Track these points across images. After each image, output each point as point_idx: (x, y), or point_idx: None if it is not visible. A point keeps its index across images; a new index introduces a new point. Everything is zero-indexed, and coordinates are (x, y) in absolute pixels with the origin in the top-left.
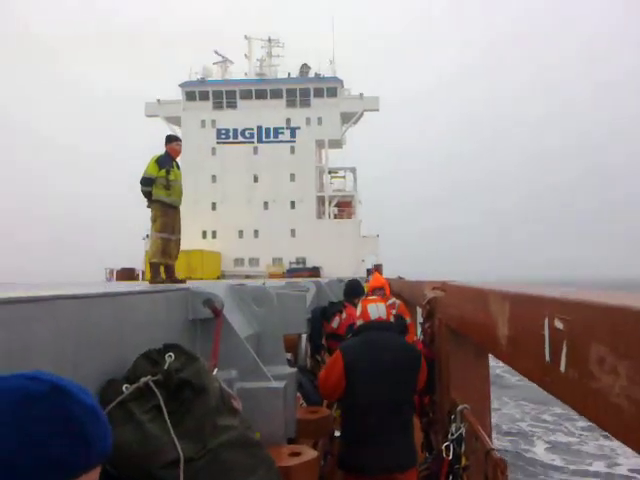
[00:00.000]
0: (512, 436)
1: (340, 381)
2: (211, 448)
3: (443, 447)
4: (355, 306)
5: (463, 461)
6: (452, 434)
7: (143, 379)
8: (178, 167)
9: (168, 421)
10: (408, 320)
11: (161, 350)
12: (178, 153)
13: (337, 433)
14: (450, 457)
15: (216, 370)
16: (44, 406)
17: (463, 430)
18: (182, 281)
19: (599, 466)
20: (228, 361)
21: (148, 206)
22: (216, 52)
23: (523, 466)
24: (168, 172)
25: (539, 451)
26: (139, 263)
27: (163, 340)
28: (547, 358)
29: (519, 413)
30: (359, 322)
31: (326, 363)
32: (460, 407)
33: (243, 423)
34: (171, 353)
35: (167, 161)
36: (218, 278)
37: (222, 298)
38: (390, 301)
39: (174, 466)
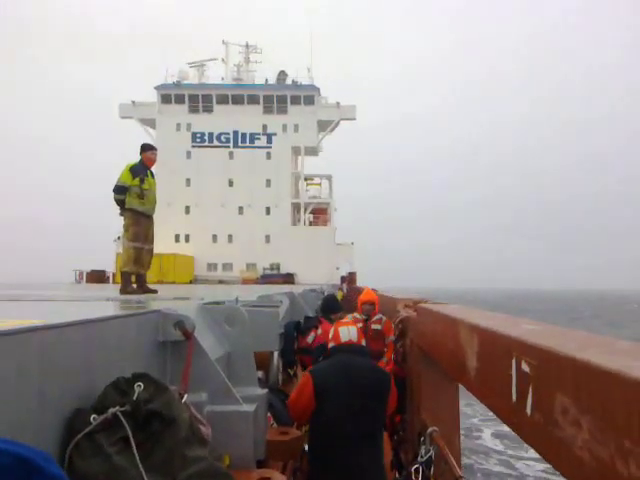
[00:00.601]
0: (464, 429)
1: (310, 404)
2: None
3: (412, 470)
4: (331, 322)
5: None
6: (422, 456)
7: (111, 410)
8: (153, 176)
9: (136, 454)
10: (392, 338)
11: (130, 379)
12: (153, 162)
13: (306, 447)
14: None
15: (186, 396)
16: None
17: (432, 453)
18: (153, 291)
19: (534, 452)
20: (198, 384)
21: (121, 214)
22: (190, 64)
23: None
24: (142, 181)
25: (486, 437)
26: (110, 265)
27: (133, 364)
28: (514, 398)
29: (471, 411)
30: (330, 344)
31: (298, 384)
32: (430, 429)
33: (212, 453)
34: (140, 383)
35: (141, 170)
36: (190, 282)
37: (193, 320)
38: (376, 317)
39: None
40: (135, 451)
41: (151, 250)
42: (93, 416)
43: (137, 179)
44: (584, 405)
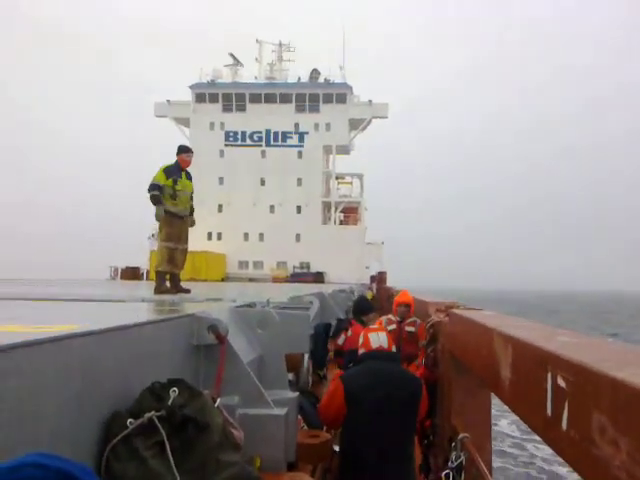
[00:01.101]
0: None
1: (340, 410)
2: None
3: (442, 475)
4: (362, 323)
5: None
6: (452, 462)
7: (147, 414)
8: (189, 177)
9: (171, 458)
10: (424, 342)
11: (165, 385)
12: (188, 164)
13: (336, 448)
14: None
15: (219, 399)
16: None
17: (463, 459)
18: (186, 290)
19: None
20: (231, 387)
21: (157, 218)
22: (231, 55)
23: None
24: (175, 182)
25: (503, 424)
26: (144, 262)
27: (168, 368)
28: (549, 412)
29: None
30: (361, 351)
31: (328, 389)
32: (461, 436)
33: (244, 458)
34: (175, 388)
35: (175, 171)
36: (222, 280)
37: (226, 324)
38: (411, 319)
39: None
40: (170, 455)
41: (185, 250)
42: (129, 420)
43: (170, 180)
44: (622, 426)
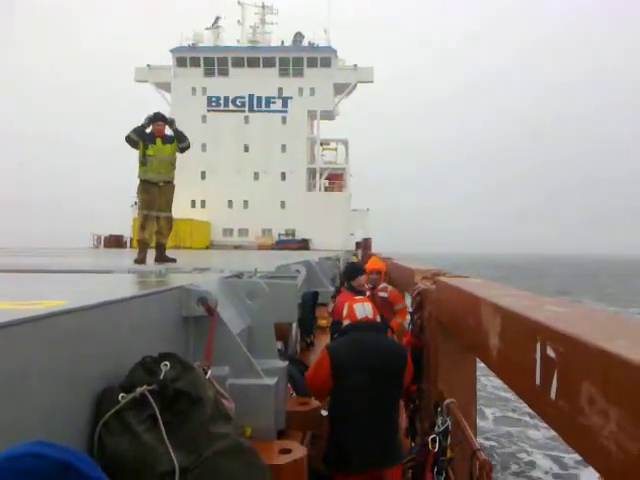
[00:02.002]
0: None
1: (327, 381)
2: (206, 457)
3: (429, 439)
4: (352, 289)
5: (448, 454)
6: (439, 427)
7: (139, 389)
8: (167, 141)
9: (164, 431)
10: (401, 306)
11: (157, 359)
12: (160, 133)
13: (324, 413)
14: (436, 449)
15: (210, 371)
16: None
17: (449, 424)
18: (172, 260)
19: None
20: (221, 358)
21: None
22: (217, 18)
23: None
24: (146, 147)
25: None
26: (128, 229)
27: (158, 342)
28: (537, 381)
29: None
30: (346, 322)
31: (315, 359)
32: (447, 401)
33: (236, 429)
34: (167, 362)
35: (148, 136)
36: (207, 248)
37: (215, 295)
38: (382, 285)
39: (170, 476)
40: (163, 429)
41: (167, 218)
42: (121, 395)
43: (140, 145)
44: (612, 397)
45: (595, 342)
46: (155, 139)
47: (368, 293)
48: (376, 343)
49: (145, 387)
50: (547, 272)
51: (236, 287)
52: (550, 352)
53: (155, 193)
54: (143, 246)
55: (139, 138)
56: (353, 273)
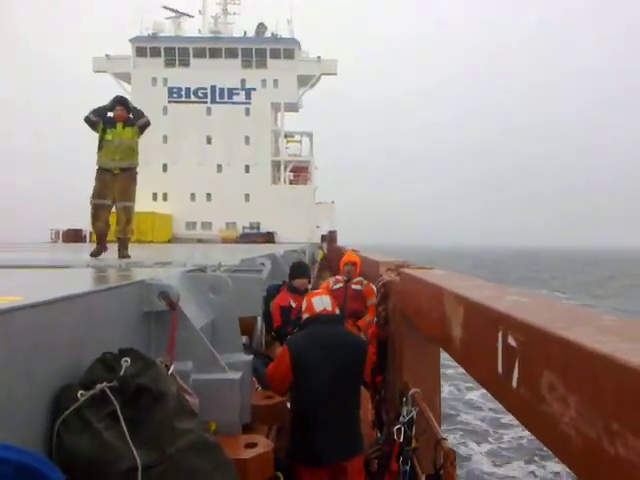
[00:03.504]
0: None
1: (287, 375)
2: (170, 454)
3: (394, 430)
4: (293, 289)
5: (413, 443)
6: (404, 417)
7: (99, 385)
8: (129, 125)
9: (125, 429)
10: (374, 301)
11: (117, 355)
12: (121, 118)
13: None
14: (401, 439)
15: (172, 366)
16: None
17: (414, 413)
18: (125, 255)
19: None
20: (184, 353)
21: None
22: (165, 7)
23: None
24: (104, 131)
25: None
26: (87, 224)
27: (118, 337)
28: (500, 370)
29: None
30: (305, 315)
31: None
32: (412, 391)
33: (200, 425)
34: (127, 358)
35: (108, 120)
36: (169, 241)
37: (177, 290)
38: (357, 279)
39: (132, 475)
40: (124, 426)
41: (125, 208)
42: (80, 392)
43: (100, 126)
44: (572, 384)
45: (555, 331)
46: (115, 124)
47: (341, 284)
48: (336, 336)
49: (105, 384)
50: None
51: (199, 281)
52: (511, 341)
53: (108, 181)
54: (98, 237)
55: (99, 119)
56: (296, 273)
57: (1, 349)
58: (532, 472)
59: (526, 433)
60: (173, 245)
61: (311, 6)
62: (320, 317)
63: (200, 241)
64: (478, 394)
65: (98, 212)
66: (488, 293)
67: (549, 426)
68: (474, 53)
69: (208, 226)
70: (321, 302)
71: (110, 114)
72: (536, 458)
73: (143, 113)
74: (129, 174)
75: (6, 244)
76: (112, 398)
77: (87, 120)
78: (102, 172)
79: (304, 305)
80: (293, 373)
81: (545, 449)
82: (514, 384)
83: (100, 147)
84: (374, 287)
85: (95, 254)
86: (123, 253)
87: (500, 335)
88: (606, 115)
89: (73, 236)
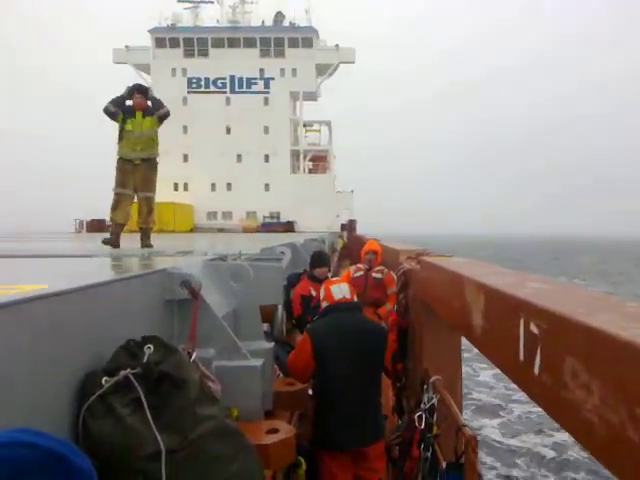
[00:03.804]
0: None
1: (309, 363)
2: (192, 439)
3: (415, 417)
4: (313, 278)
5: (435, 430)
6: (424, 404)
7: (123, 372)
8: (149, 114)
9: (149, 414)
10: (394, 289)
11: (140, 342)
12: (141, 106)
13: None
14: (422, 426)
15: (195, 354)
16: (44, 479)
17: (435, 401)
18: (149, 245)
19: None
20: (206, 341)
21: (114, 118)
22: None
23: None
24: (124, 121)
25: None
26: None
27: (141, 325)
28: (521, 357)
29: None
30: (324, 304)
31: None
32: (433, 378)
33: (222, 411)
34: (150, 345)
35: (128, 110)
36: (191, 231)
37: (199, 278)
38: (378, 267)
39: (156, 459)
40: (148, 412)
41: (146, 199)
42: (105, 378)
43: (120, 116)
44: (595, 371)
45: (578, 317)
46: (135, 113)
47: (362, 273)
48: (356, 324)
49: (129, 370)
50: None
51: (220, 270)
52: (533, 328)
53: (129, 171)
54: (114, 227)
55: (118, 109)
56: (315, 262)
57: (26, 337)
58: (540, 443)
59: (536, 408)
60: (194, 235)
61: None
62: (340, 305)
63: (221, 230)
64: (490, 374)
65: (119, 201)
66: (509, 280)
67: (572, 413)
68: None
69: (229, 216)
70: (340, 290)
71: (129, 102)
72: (545, 429)
73: (162, 103)
74: (150, 164)
75: (31, 234)
76: (136, 384)
77: (106, 111)
78: (123, 162)
79: (322, 293)
80: (315, 361)
81: (553, 423)
82: (536, 371)
83: (120, 137)
84: (394, 275)
85: (108, 242)
86: (146, 242)
87: (522, 322)
88: None
89: (97, 226)
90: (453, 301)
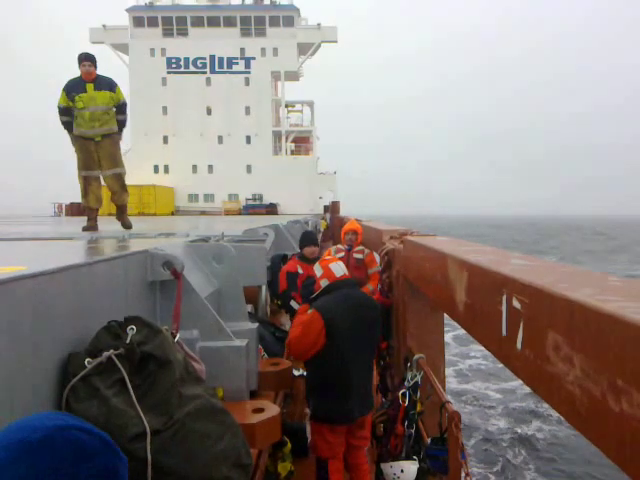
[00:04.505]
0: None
1: (319, 339)
2: (178, 419)
3: (399, 394)
4: (303, 258)
5: (418, 407)
6: (408, 381)
7: (106, 353)
8: (100, 88)
9: (133, 395)
10: (376, 269)
11: (122, 323)
12: (90, 75)
13: (296, 373)
14: (406, 404)
15: (178, 334)
16: (98, 463)
17: (419, 378)
18: (127, 222)
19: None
20: (190, 321)
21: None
22: None
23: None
24: (73, 100)
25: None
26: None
27: (123, 306)
28: (504, 332)
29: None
30: (323, 281)
31: (298, 321)
32: (416, 356)
33: (207, 390)
34: (133, 326)
35: (76, 86)
36: (172, 214)
37: (181, 259)
38: (358, 247)
39: (141, 439)
40: (132, 392)
41: (115, 175)
42: (87, 360)
43: (67, 99)
44: (577, 344)
45: (559, 291)
46: (85, 86)
47: (343, 254)
48: (359, 297)
49: (112, 351)
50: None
51: (202, 251)
52: (516, 303)
53: (92, 149)
54: (89, 212)
55: (67, 95)
56: (304, 242)
57: (5, 318)
58: (489, 388)
59: (486, 361)
60: (176, 217)
61: None
62: (345, 281)
63: (203, 213)
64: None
65: (89, 185)
66: (492, 257)
67: (554, 386)
68: (472, 12)
69: (211, 198)
70: (340, 268)
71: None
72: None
73: (125, 109)
74: (112, 139)
75: (10, 217)
76: (119, 365)
77: (63, 124)
78: (83, 141)
79: (319, 272)
80: (325, 335)
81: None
82: (519, 346)
83: (74, 117)
84: (376, 255)
85: (89, 229)
86: (124, 220)
87: (504, 298)
88: None
89: (76, 209)
90: (437, 278)
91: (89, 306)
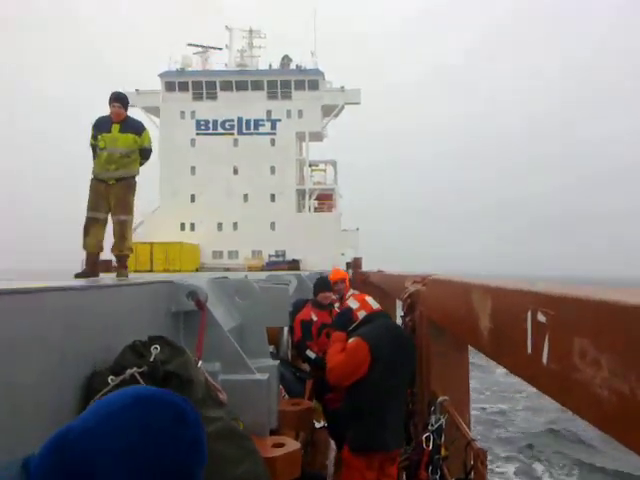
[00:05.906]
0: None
1: (363, 364)
2: None
3: (423, 438)
4: (316, 304)
5: (443, 452)
6: (432, 425)
7: (129, 371)
8: (125, 130)
9: None
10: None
11: (146, 342)
12: (118, 116)
13: (317, 425)
14: (430, 447)
15: (201, 362)
16: (192, 432)
17: (443, 421)
18: (123, 274)
19: None
20: (212, 353)
21: None
22: (190, 44)
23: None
24: (95, 138)
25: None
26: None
27: (147, 332)
28: (529, 350)
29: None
30: (361, 313)
31: (330, 351)
32: (440, 399)
33: (229, 414)
34: (157, 345)
35: (104, 125)
36: (197, 270)
37: (206, 291)
38: (349, 292)
39: None
40: None
41: (120, 222)
42: (111, 377)
43: (94, 137)
44: (604, 343)
45: (584, 295)
46: (111, 126)
47: (337, 304)
48: (397, 328)
49: (135, 369)
50: None
51: (226, 286)
52: (541, 317)
53: (102, 192)
54: (87, 256)
55: (93, 132)
56: (318, 287)
57: (37, 327)
58: None
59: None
60: (200, 273)
61: (333, 33)
62: (382, 313)
63: (227, 269)
64: None
65: (90, 226)
66: (517, 282)
67: (581, 393)
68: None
69: (235, 255)
70: (374, 301)
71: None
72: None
73: (148, 155)
74: (126, 184)
75: (39, 275)
76: (142, 383)
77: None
78: (96, 182)
79: (355, 304)
80: (371, 361)
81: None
82: (544, 361)
83: (94, 156)
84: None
85: (81, 275)
86: (120, 272)
87: (529, 315)
88: None
89: (103, 267)
90: (460, 312)
91: (115, 325)
